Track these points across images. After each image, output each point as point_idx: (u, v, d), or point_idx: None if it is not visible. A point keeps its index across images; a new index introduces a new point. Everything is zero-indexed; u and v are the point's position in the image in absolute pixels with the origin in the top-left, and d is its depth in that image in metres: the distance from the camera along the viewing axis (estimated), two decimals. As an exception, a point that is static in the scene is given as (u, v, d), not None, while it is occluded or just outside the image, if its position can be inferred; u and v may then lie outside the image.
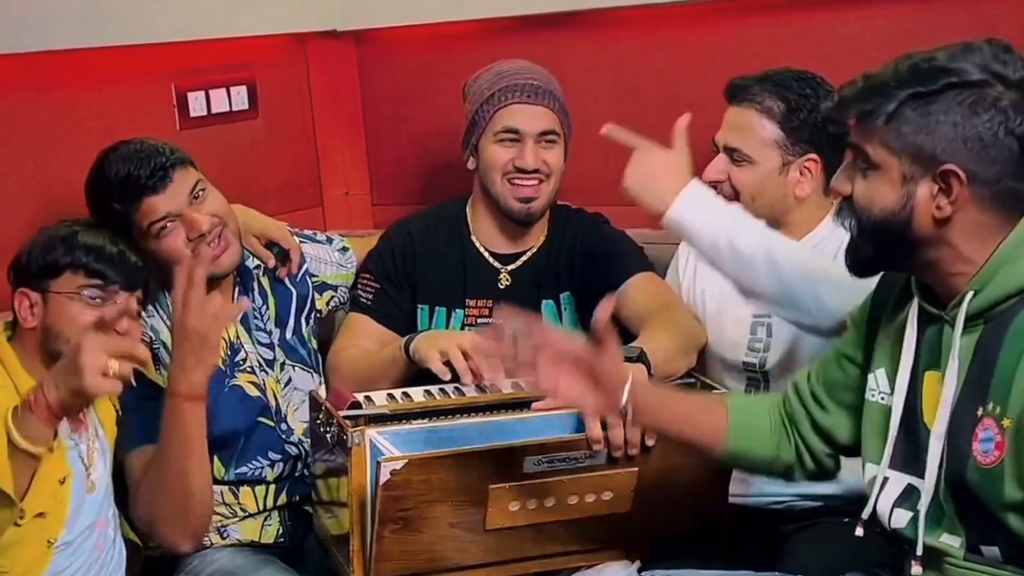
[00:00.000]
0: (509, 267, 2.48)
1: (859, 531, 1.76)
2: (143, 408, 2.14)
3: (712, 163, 2.29)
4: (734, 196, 2.25)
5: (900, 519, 1.71)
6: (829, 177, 2.22)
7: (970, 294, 1.62)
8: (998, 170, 1.57)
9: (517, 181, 2.40)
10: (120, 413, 2.18)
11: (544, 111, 2.40)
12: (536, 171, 2.39)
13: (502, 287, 2.46)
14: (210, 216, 2.21)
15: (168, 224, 2.18)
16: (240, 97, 2.88)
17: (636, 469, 1.92)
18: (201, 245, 2.18)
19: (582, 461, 1.89)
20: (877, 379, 1.78)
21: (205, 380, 2.01)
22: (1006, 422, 1.56)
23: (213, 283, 2.27)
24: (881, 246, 1.67)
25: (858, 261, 1.72)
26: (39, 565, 1.96)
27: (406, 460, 1.81)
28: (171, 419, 2.02)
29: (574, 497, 1.91)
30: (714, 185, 2.25)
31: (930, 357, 1.69)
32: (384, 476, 1.80)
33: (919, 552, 1.66)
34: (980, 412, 1.59)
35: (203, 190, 2.22)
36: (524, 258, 2.48)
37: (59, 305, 2.00)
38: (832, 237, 2.23)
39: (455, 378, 2.10)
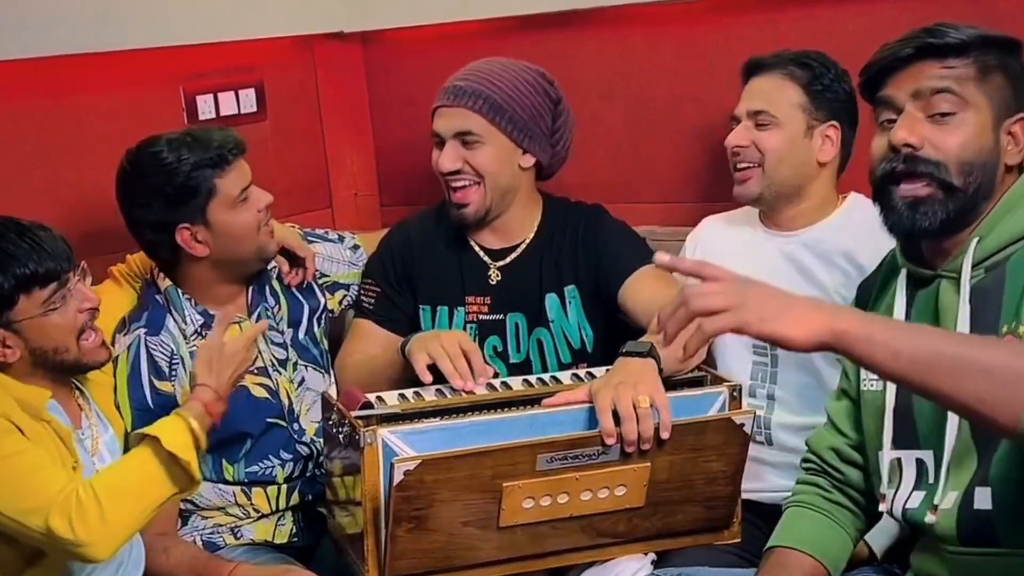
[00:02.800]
0: (499, 263, 2.47)
1: (882, 507, 1.79)
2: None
3: (734, 131, 2.30)
4: (759, 161, 2.27)
5: (915, 500, 1.73)
6: (845, 152, 2.30)
7: (975, 240, 1.66)
8: None
9: (450, 183, 2.39)
10: (129, 427, 2.20)
11: (460, 112, 2.36)
12: (457, 172, 2.37)
13: (493, 283, 2.46)
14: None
15: (248, 196, 2.26)
16: (248, 99, 2.89)
17: (649, 464, 1.92)
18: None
19: (595, 457, 1.89)
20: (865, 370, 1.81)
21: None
22: (1018, 327, 1.59)
23: (245, 274, 2.36)
24: (970, 189, 1.69)
25: (918, 221, 1.70)
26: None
27: (419, 460, 1.81)
28: None
29: (587, 493, 1.91)
30: (738, 151, 2.28)
31: (924, 319, 1.73)
32: (398, 477, 1.80)
33: (936, 500, 1.68)
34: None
35: None
36: (515, 254, 2.47)
37: (36, 328, 1.95)
38: (834, 236, 2.25)
39: (439, 381, 2.10)
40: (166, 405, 2.22)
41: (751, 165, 2.27)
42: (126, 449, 2.16)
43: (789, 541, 1.88)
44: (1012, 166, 1.71)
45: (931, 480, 1.71)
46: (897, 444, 1.76)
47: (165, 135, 2.25)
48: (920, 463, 1.74)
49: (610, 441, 1.88)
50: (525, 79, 2.40)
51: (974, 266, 1.67)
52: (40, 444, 1.93)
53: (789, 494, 2.09)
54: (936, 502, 1.68)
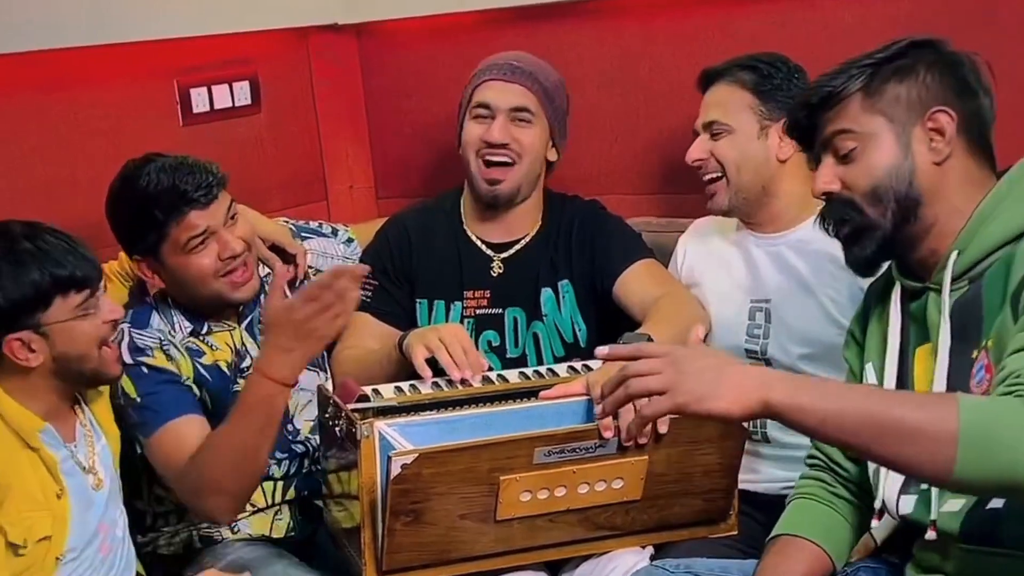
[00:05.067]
0: (502, 255, 2.48)
1: (875, 522, 1.79)
2: (164, 390, 2.16)
3: (693, 145, 2.33)
4: (719, 172, 2.28)
5: (907, 504, 1.72)
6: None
7: (955, 253, 1.66)
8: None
9: (488, 157, 2.40)
10: (126, 406, 2.17)
11: (518, 89, 2.39)
12: (505, 146, 2.38)
13: (495, 275, 2.47)
14: (241, 240, 2.23)
15: (204, 241, 2.19)
16: (242, 92, 2.88)
17: (646, 457, 1.92)
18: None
19: (592, 450, 1.89)
20: (867, 374, 1.81)
21: (301, 367, 2.04)
22: (988, 343, 1.59)
23: (225, 308, 2.30)
24: (887, 216, 1.69)
25: (861, 256, 1.74)
26: None
27: (416, 454, 1.81)
28: (257, 400, 2.03)
29: (584, 486, 1.91)
30: (699, 164, 2.31)
31: (918, 332, 1.73)
32: (395, 470, 1.80)
33: (933, 516, 1.66)
34: (975, 354, 1.62)
35: (235, 213, 2.25)
36: (518, 247, 2.48)
37: (65, 333, 1.92)
38: (818, 235, 2.24)
39: (438, 374, 2.10)
40: (160, 371, 2.21)
41: (716, 178, 2.29)
42: (122, 456, 2.15)
43: (793, 529, 1.87)
44: (940, 162, 1.68)
45: (924, 485, 1.69)
46: None
47: (160, 160, 2.19)
48: None
49: (607, 434, 1.88)
50: (559, 79, 2.46)
51: (957, 278, 1.66)
52: (16, 476, 1.90)
53: (787, 485, 2.09)
54: (939, 507, 1.66)
